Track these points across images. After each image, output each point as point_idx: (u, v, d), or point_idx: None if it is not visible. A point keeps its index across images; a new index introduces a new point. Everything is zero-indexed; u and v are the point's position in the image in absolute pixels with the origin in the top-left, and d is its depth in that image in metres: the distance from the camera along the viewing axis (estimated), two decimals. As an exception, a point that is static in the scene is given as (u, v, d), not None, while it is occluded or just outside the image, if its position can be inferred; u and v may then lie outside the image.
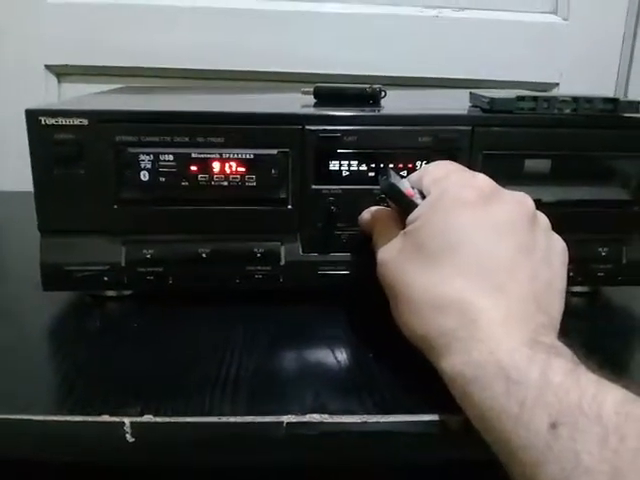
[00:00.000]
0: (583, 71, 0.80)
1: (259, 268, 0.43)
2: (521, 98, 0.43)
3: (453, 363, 0.29)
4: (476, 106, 0.46)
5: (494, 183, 0.36)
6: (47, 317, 0.43)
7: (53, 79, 0.76)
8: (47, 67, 0.75)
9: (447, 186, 0.35)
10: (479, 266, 0.31)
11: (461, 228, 0.32)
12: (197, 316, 0.43)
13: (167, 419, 0.31)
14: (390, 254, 0.36)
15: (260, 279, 0.43)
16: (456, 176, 0.37)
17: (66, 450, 0.32)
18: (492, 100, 0.43)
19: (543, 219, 0.36)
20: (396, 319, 0.34)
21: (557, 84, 0.82)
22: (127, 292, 0.45)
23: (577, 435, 0.24)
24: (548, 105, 0.43)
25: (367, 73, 0.77)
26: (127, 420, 0.30)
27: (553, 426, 0.24)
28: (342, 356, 0.38)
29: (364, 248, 0.43)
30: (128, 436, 0.30)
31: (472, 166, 0.42)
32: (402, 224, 0.37)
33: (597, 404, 0.24)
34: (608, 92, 0.83)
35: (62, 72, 0.76)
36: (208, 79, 0.77)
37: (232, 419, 0.31)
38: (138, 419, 0.30)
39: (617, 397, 0.24)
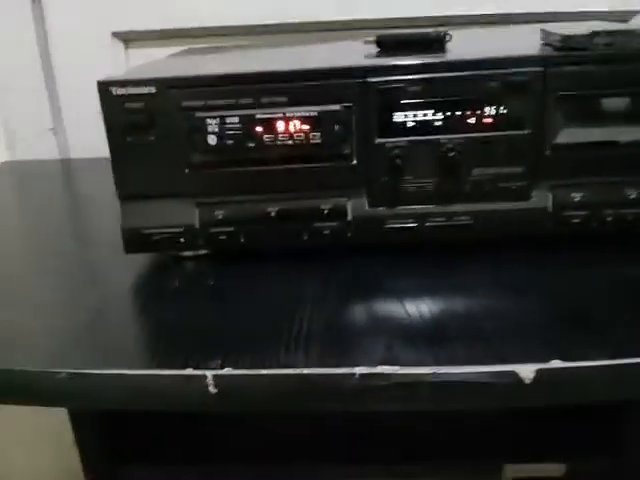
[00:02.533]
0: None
1: (326, 224, 0.44)
2: (596, 33, 0.40)
3: None
4: (548, 44, 0.44)
5: None
6: (130, 278, 0.45)
7: (120, 46, 0.78)
8: (114, 34, 0.77)
9: None
10: None
11: None
12: (269, 273, 0.44)
13: (245, 371, 0.32)
14: None
15: (328, 235, 0.44)
16: None
17: (154, 401, 0.34)
18: (565, 37, 0.41)
19: None
20: None
21: (639, 12, 0.76)
22: (202, 252, 0.47)
23: None
24: (626, 39, 0.40)
25: (426, 14, 0.74)
26: (209, 373, 0.32)
27: None
28: (413, 309, 0.38)
29: (431, 200, 0.43)
30: (211, 388, 0.32)
31: (546, 109, 0.41)
32: None
33: None
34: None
35: (129, 38, 0.78)
36: (271, 34, 0.76)
37: (306, 371, 0.32)
38: (219, 372, 0.32)
39: None
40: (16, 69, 0.77)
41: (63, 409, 0.66)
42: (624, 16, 0.76)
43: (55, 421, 0.71)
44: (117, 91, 0.41)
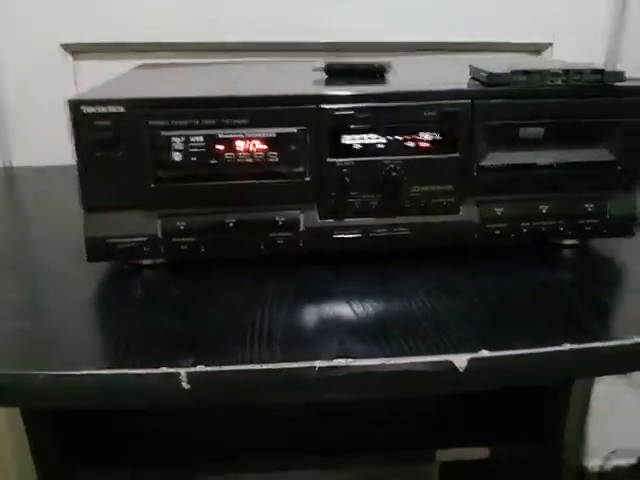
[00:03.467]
0: (576, 30, 0.83)
1: (281, 234, 0.48)
2: (515, 72, 0.47)
3: None
4: (475, 79, 0.50)
5: None
6: (91, 285, 0.48)
7: (68, 57, 0.79)
8: (62, 46, 0.78)
9: None
10: None
11: None
12: (228, 280, 0.48)
13: (216, 368, 0.36)
14: None
15: (282, 244, 0.48)
16: None
17: (129, 399, 0.37)
18: (490, 74, 0.47)
19: None
20: None
21: (551, 44, 0.85)
22: (161, 260, 0.50)
23: None
24: (541, 77, 0.47)
25: (367, 40, 0.80)
26: (183, 370, 0.36)
27: None
28: (360, 309, 0.43)
29: (375, 213, 0.48)
30: (184, 384, 0.36)
31: (474, 136, 0.47)
32: None
33: None
34: (601, 49, 0.86)
35: (77, 50, 0.79)
36: (217, 51, 0.80)
37: (270, 366, 0.36)
38: (192, 369, 0.36)
39: None
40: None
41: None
42: (538, 47, 0.85)
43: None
44: (87, 109, 0.44)
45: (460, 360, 0.35)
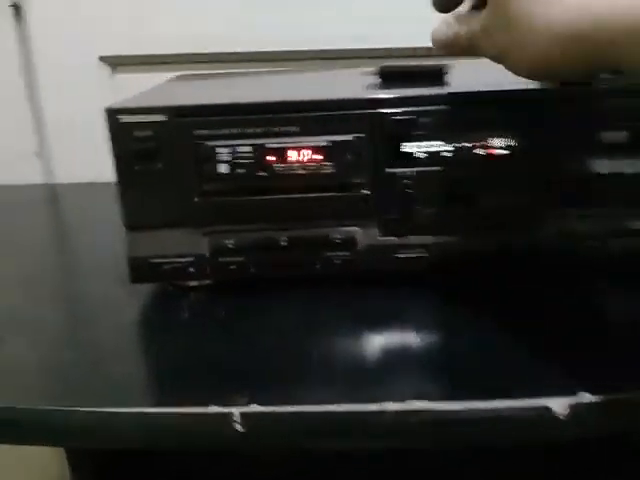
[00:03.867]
0: None
1: (337, 253, 0.44)
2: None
3: None
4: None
5: None
6: (134, 310, 0.44)
7: (107, 70, 0.77)
8: (101, 58, 0.76)
9: None
10: None
11: None
12: (279, 303, 0.43)
13: (273, 408, 0.32)
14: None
15: (339, 264, 0.44)
16: None
17: (175, 441, 0.33)
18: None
19: None
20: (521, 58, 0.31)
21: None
22: (207, 282, 0.46)
23: None
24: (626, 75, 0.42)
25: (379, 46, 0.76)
26: (236, 410, 0.31)
27: None
28: (428, 338, 0.38)
29: (442, 230, 0.43)
30: (238, 426, 0.31)
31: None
32: None
33: None
34: None
35: (116, 63, 0.77)
36: (258, 61, 0.76)
37: (335, 408, 0.31)
38: (246, 409, 0.31)
39: None
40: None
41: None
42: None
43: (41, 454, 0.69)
44: (126, 119, 0.41)
45: (559, 404, 0.29)
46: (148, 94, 0.50)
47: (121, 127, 0.41)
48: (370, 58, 0.75)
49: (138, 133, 0.41)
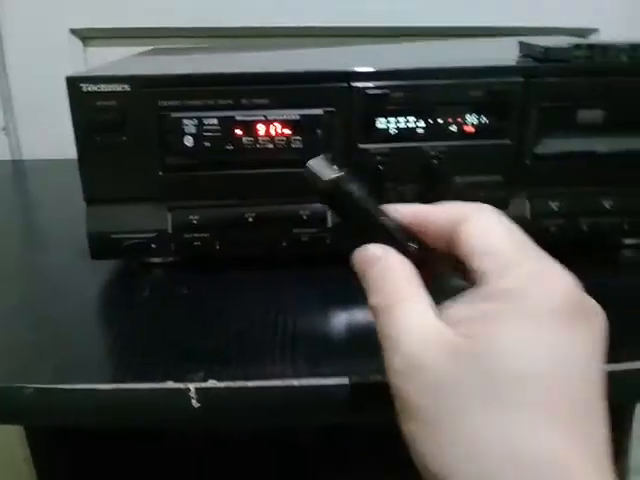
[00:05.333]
0: (623, 16, 0.77)
1: (305, 230, 0.43)
2: (577, 46, 0.41)
3: None
4: (527, 56, 0.44)
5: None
6: (95, 286, 0.43)
7: (78, 43, 0.75)
8: (72, 31, 0.74)
9: (526, 283, 0.24)
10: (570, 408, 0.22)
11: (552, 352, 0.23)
12: (243, 280, 0.42)
13: (230, 384, 0.31)
14: (423, 360, 0.23)
15: (307, 242, 0.43)
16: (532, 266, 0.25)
17: (131, 418, 0.32)
18: (547, 49, 0.41)
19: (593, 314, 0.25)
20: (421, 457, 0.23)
21: (596, 30, 0.78)
22: (171, 259, 0.45)
23: None
24: (604, 53, 0.41)
25: (401, 24, 0.75)
26: (192, 386, 0.30)
27: None
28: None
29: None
30: (194, 402, 0.30)
31: (526, 118, 0.41)
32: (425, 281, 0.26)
33: None
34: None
35: (87, 36, 0.74)
36: (234, 37, 0.75)
37: (295, 382, 0.31)
38: (203, 385, 0.30)
39: None
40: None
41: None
42: (582, 33, 0.79)
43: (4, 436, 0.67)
44: (88, 88, 0.39)
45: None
46: (115, 64, 0.48)
47: (83, 96, 0.39)
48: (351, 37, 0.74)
49: (100, 103, 0.39)
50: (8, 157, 0.76)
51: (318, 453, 0.66)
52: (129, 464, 0.61)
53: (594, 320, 0.24)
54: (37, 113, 0.75)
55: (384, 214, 0.28)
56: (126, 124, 0.40)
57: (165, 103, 0.40)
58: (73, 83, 0.39)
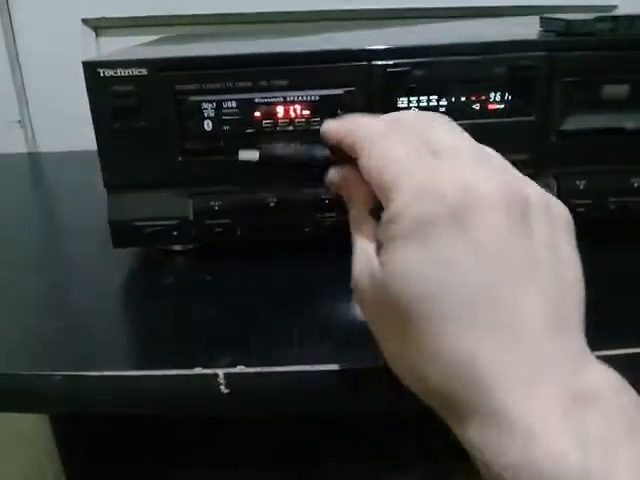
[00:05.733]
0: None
1: (328, 215, 0.42)
2: (600, 18, 0.40)
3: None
4: (549, 30, 0.43)
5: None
6: (118, 274, 0.43)
7: (91, 33, 0.74)
8: (84, 21, 0.73)
9: (412, 199, 0.24)
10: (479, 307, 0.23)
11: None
12: (268, 266, 0.42)
13: (259, 369, 0.30)
14: (365, 280, 0.26)
15: (330, 226, 0.42)
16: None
17: (158, 404, 0.32)
18: (569, 22, 0.40)
19: (533, 193, 0.25)
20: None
21: (616, 7, 0.77)
22: (192, 245, 0.45)
23: None
24: (629, 24, 0.40)
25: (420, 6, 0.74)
26: (221, 372, 0.30)
27: None
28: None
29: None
30: (222, 387, 0.30)
31: (551, 95, 0.40)
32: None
33: None
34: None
35: (99, 25, 0.74)
36: (248, 23, 0.74)
37: (322, 367, 0.30)
38: (231, 370, 0.30)
39: None
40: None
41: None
42: (602, 10, 0.77)
43: (29, 424, 0.67)
44: (105, 72, 0.38)
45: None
46: (131, 50, 0.48)
47: (100, 81, 0.39)
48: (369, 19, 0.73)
49: (118, 88, 0.39)
50: (24, 150, 0.76)
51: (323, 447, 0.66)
52: (145, 445, 0.62)
53: (490, 215, 0.23)
54: (51, 105, 0.75)
55: None
56: (144, 109, 0.39)
57: (183, 87, 0.39)
58: (90, 68, 0.39)
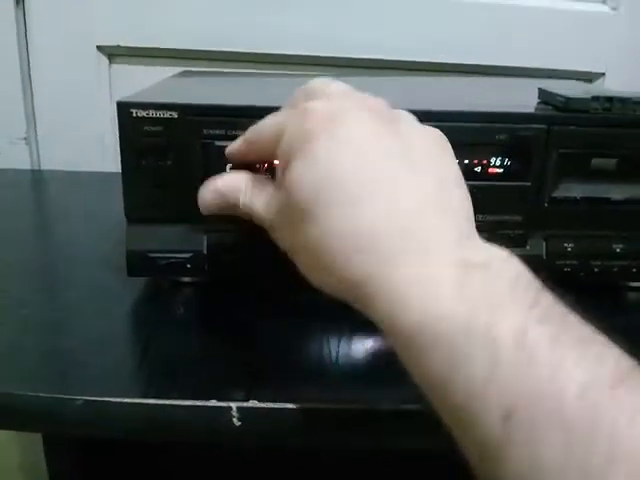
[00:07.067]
0: (630, 62, 0.80)
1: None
2: (596, 98, 0.44)
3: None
4: (547, 103, 0.47)
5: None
6: (127, 302, 0.44)
7: (104, 60, 0.77)
8: (99, 48, 0.76)
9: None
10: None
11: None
12: (281, 301, 0.44)
13: (271, 405, 0.32)
14: (270, 208, 0.34)
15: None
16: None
17: (175, 432, 0.34)
18: (568, 99, 0.44)
19: (404, 114, 0.33)
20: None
21: (603, 74, 0.82)
22: (203, 279, 0.47)
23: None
24: (622, 105, 0.44)
25: (410, 59, 0.78)
26: (234, 405, 0.32)
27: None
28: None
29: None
30: (235, 420, 0.32)
31: (547, 164, 0.44)
32: None
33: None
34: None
35: (114, 53, 0.76)
36: (260, 63, 0.77)
37: (335, 406, 0.32)
38: (244, 404, 0.32)
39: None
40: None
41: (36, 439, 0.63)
42: (590, 76, 0.82)
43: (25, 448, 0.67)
44: (137, 113, 0.41)
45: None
46: (156, 89, 0.50)
47: (132, 121, 0.41)
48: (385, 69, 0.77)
49: (149, 128, 0.41)
50: (28, 166, 0.78)
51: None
52: (141, 470, 0.62)
53: (359, 121, 0.29)
54: (58, 126, 0.77)
55: None
56: (171, 149, 0.42)
57: (210, 132, 0.42)
58: (124, 108, 0.41)
